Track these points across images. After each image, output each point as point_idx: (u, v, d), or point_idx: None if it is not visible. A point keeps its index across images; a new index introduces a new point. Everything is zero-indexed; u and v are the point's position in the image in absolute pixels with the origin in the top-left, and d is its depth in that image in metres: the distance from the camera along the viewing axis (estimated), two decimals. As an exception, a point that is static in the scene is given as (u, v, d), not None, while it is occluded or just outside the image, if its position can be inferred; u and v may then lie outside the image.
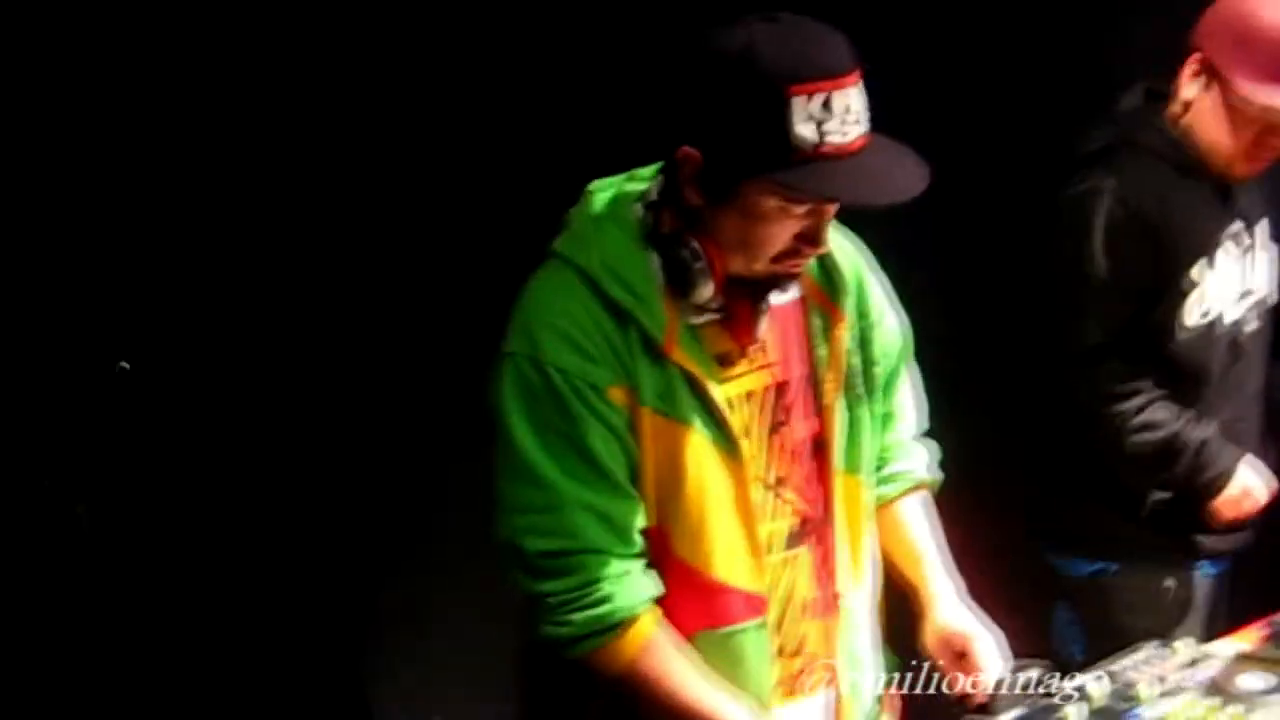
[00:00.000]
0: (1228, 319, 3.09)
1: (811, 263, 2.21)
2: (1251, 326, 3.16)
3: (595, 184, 2.23)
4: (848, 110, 2.00)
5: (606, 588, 2.10)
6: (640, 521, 2.14)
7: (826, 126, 1.98)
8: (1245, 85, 2.91)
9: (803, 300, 2.25)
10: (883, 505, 2.42)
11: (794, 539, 2.24)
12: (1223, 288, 3.07)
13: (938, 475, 2.51)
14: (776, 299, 2.20)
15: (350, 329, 3.35)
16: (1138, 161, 3.02)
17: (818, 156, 1.99)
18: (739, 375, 2.19)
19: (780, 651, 2.25)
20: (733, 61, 2.01)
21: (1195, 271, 3.02)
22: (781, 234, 2.08)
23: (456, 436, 2.65)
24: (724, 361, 2.18)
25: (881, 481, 2.42)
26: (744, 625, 2.20)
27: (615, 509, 2.11)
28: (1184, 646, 2.55)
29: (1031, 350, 3.16)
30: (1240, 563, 3.32)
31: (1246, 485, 3.12)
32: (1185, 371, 3.08)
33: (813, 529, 2.26)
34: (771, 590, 2.23)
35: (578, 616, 2.11)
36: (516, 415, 2.10)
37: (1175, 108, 3.02)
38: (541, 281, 2.17)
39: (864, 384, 2.30)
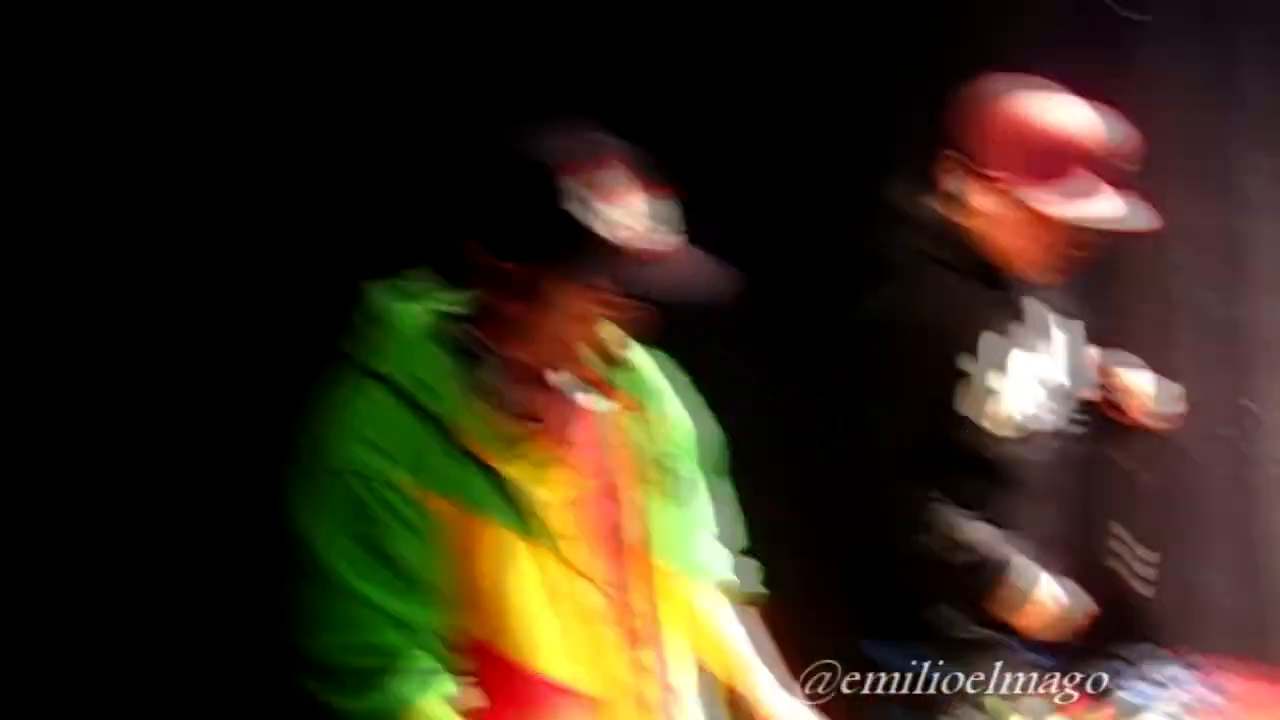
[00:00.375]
0: (1032, 419, 3.07)
1: (618, 373, 2.25)
2: (1062, 422, 3.15)
3: (373, 285, 2.22)
4: (647, 218, 2.08)
5: (404, 696, 2.08)
6: (449, 632, 2.13)
7: (628, 231, 2.06)
8: (1049, 201, 2.91)
9: (611, 408, 2.28)
10: (689, 605, 2.46)
11: (624, 640, 2.25)
12: (1022, 389, 3.04)
13: (737, 578, 2.52)
14: (586, 405, 2.23)
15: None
16: (923, 271, 3.00)
17: (620, 257, 2.06)
18: (552, 480, 2.21)
19: None
20: (540, 169, 2.06)
21: (990, 378, 2.99)
22: (585, 337, 2.12)
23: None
24: (537, 466, 2.20)
25: (686, 581, 2.45)
26: None
27: (424, 621, 2.10)
28: None
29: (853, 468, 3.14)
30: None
31: (1049, 599, 3.06)
32: (993, 476, 3.06)
33: (641, 629, 2.28)
34: (609, 690, 2.23)
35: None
36: (321, 526, 2.09)
37: (964, 214, 3.01)
38: (348, 395, 2.15)
39: (670, 489, 2.34)
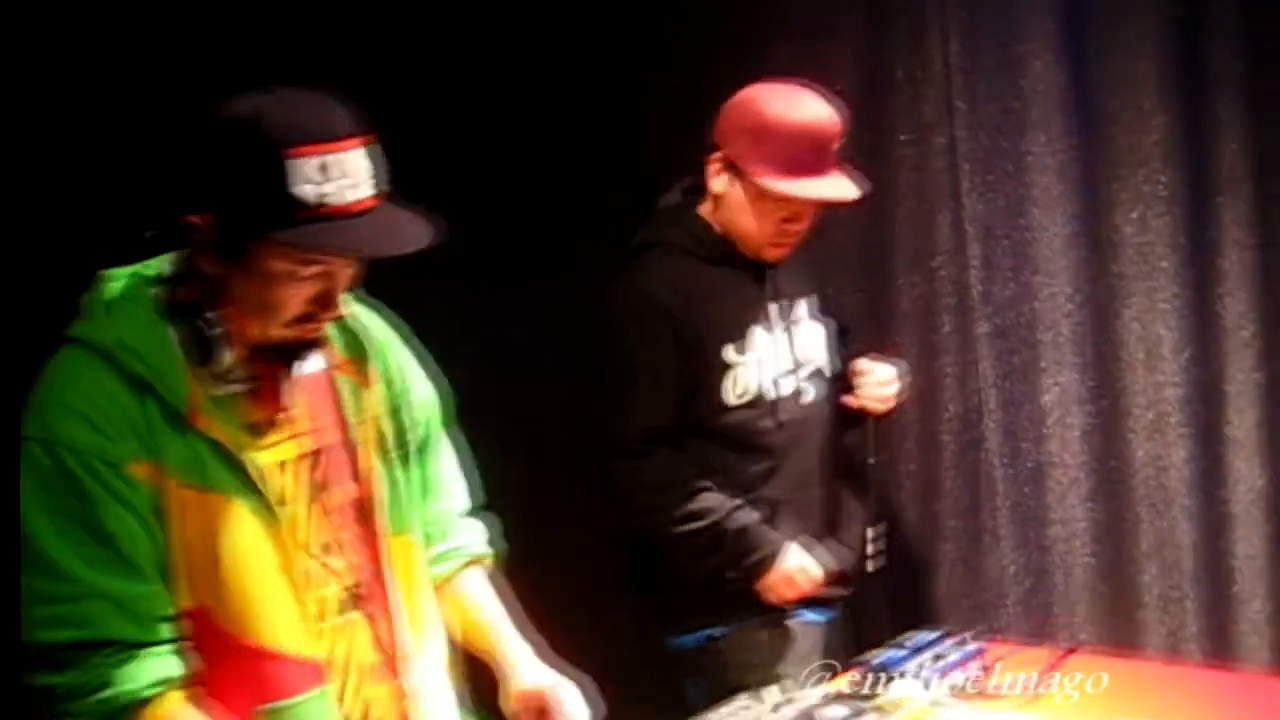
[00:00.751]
0: (775, 393, 3.26)
1: (336, 332, 2.25)
2: (808, 398, 3.31)
3: (107, 271, 2.20)
4: (344, 174, 2.05)
5: (110, 674, 2.05)
6: (165, 605, 2.10)
7: (325, 188, 2.04)
8: (764, 178, 3.14)
9: (331, 368, 2.27)
10: (441, 583, 2.45)
11: (346, 604, 2.23)
12: (763, 365, 3.24)
13: (491, 549, 2.54)
14: (305, 367, 2.21)
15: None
16: (663, 257, 3.24)
17: (319, 215, 2.04)
18: (272, 444, 2.19)
19: (344, 717, 2.22)
20: (236, 128, 2.05)
21: (728, 353, 3.21)
22: (294, 296, 2.10)
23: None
24: (255, 430, 2.18)
25: (435, 560, 2.44)
26: (306, 695, 2.17)
27: (133, 593, 2.07)
28: (772, 693, 2.67)
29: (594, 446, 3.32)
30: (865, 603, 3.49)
31: (795, 566, 3.24)
32: (740, 449, 3.25)
33: (365, 593, 2.26)
34: (331, 658, 2.21)
35: (81, 706, 2.05)
36: (29, 502, 2.05)
37: (707, 203, 3.25)
38: (56, 364, 2.12)
39: (399, 449, 2.33)
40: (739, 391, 3.22)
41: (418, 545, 2.35)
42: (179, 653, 2.11)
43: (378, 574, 2.27)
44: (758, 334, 3.25)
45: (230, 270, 2.10)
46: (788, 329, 3.31)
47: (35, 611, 2.05)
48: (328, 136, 2.05)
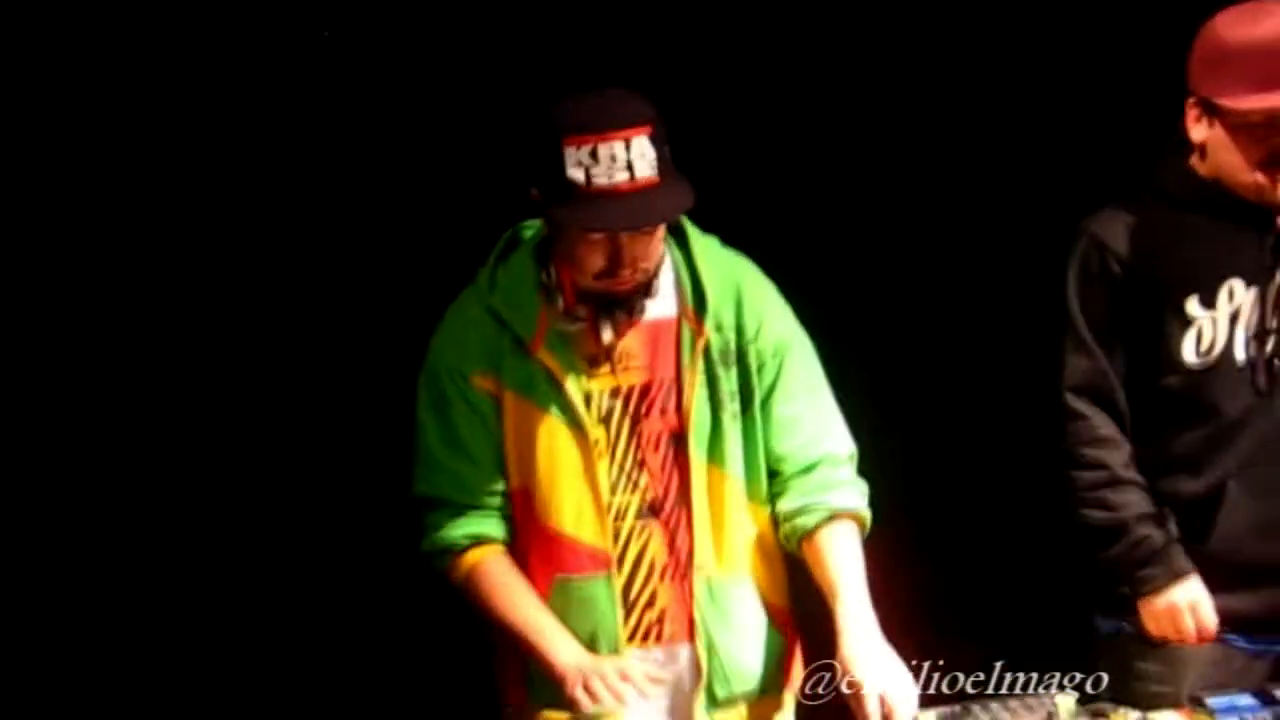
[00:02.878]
0: (1241, 355, 2.97)
1: (689, 283, 2.73)
2: None
3: (523, 223, 2.82)
4: (613, 159, 2.54)
5: (442, 524, 2.75)
6: (491, 482, 2.74)
7: (594, 170, 2.55)
8: (1235, 101, 2.89)
9: (679, 315, 2.73)
10: (804, 535, 2.74)
11: (644, 512, 2.73)
12: (1229, 324, 2.96)
13: (858, 508, 2.77)
14: (655, 311, 2.71)
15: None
16: (1128, 206, 3.03)
17: (589, 194, 2.56)
18: (603, 373, 2.72)
19: (632, 604, 2.73)
20: (541, 121, 2.62)
21: (1191, 306, 2.97)
22: (590, 257, 2.62)
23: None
24: (592, 361, 2.72)
25: (797, 512, 2.75)
26: (592, 576, 2.73)
27: (468, 473, 2.74)
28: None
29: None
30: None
31: (1185, 602, 2.96)
32: (1192, 413, 2.98)
33: (665, 506, 2.73)
34: (624, 551, 2.73)
35: (426, 543, 2.78)
36: (419, 398, 2.79)
37: (1195, 156, 3.00)
38: (458, 300, 2.82)
39: (735, 392, 2.73)
40: (1203, 349, 2.97)
41: (733, 477, 2.74)
42: (499, 520, 2.76)
43: (684, 493, 2.73)
44: (1237, 287, 2.97)
45: (554, 234, 2.68)
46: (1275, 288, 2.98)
47: (415, 473, 2.79)
48: (598, 128, 2.55)
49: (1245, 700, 2.65)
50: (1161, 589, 2.96)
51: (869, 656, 2.57)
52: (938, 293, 4.10)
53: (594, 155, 2.56)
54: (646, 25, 3.88)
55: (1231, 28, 2.94)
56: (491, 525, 2.76)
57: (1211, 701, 2.63)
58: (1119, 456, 3.00)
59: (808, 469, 2.77)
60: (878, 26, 3.98)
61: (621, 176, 2.56)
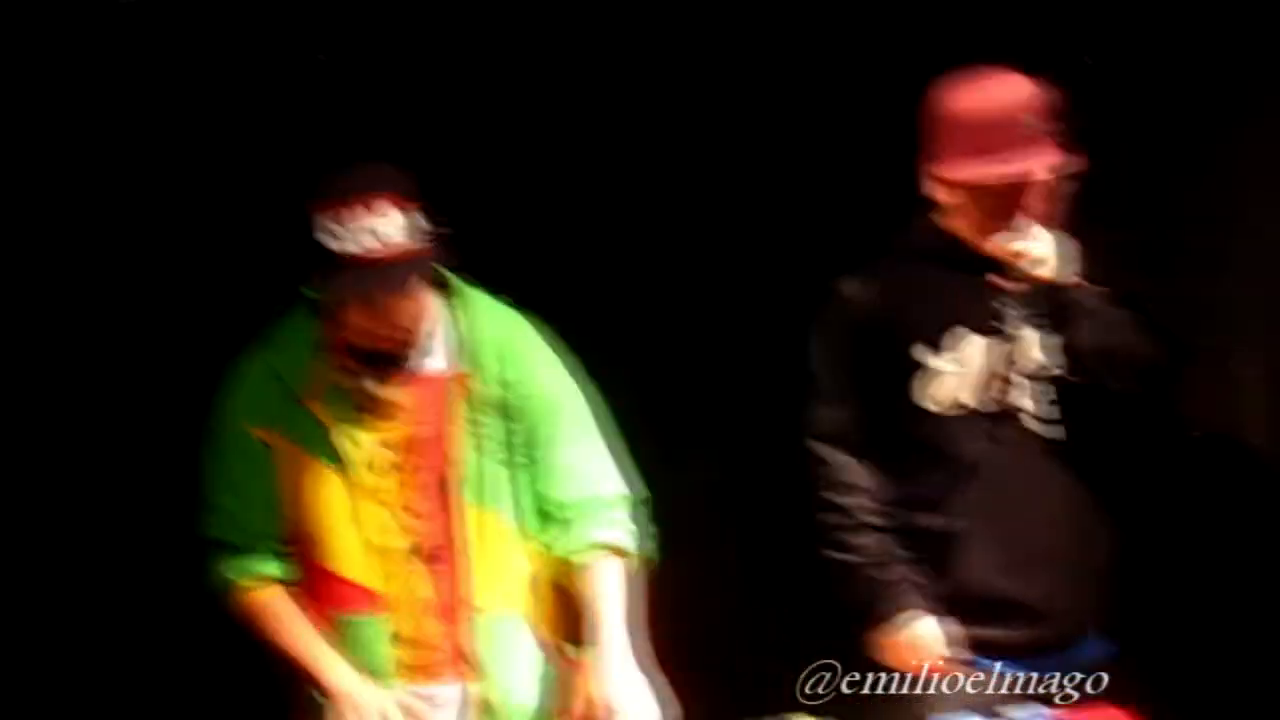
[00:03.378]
0: (973, 402, 3.12)
1: (456, 342, 2.90)
2: (1031, 418, 3.14)
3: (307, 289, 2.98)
4: (359, 226, 2.73)
5: (224, 564, 2.96)
6: (268, 525, 2.93)
7: (342, 237, 2.75)
8: (951, 171, 3.08)
9: (447, 371, 2.92)
10: (571, 568, 2.93)
11: (413, 555, 2.90)
12: (959, 371, 3.12)
13: (631, 545, 2.95)
14: (427, 367, 2.90)
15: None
16: (887, 260, 3.21)
17: (339, 260, 2.76)
18: (373, 425, 2.90)
19: (405, 642, 2.90)
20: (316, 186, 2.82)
21: (920, 354, 3.11)
22: (352, 316, 2.83)
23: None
24: (362, 412, 2.91)
25: (567, 549, 2.93)
26: (367, 614, 2.91)
27: (244, 517, 2.94)
28: None
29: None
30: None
31: (901, 641, 3.14)
32: (934, 456, 3.14)
33: (434, 548, 2.90)
34: (398, 592, 2.90)
35: (213, 578, 2.98)
36: (205, 448, 2.98)
37: (935, 211, 3.17)
38: (240, 356, 2.99)
39: (504, 440, 2.91)
40: (938, 395, 3.12)
41: (503, 518, 2.92)
42: (277, 560, 2.94)
43: (449, 536, 2.90)
44: (967, 336, 3.12)
45: (335, 306, 2.86)
46: (1014, 334, 3.13)
47: (200, 516, 2.98)
48: (341, 194, 2.76)
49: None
50: (887, 624, 3.14)
51: (622, 686, 2.78)
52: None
53: (338, 221, 2.75)
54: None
55: (951, 97, 3.11)
56: (270, 565, 2.94)
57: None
58: (858, 500, 3.16)
59: (577, 511, 2.94)
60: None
61: (369, 243, 2.75)
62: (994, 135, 3.04)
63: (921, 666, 3.12)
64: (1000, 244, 3.08)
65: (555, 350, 3.01)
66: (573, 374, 3.01)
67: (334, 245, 2.74)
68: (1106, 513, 3.19)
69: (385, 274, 2.76)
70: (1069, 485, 3.15)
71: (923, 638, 3.13)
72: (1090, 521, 3.18)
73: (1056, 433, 3.15)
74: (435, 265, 2.87)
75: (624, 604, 2.88)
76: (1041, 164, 3.05)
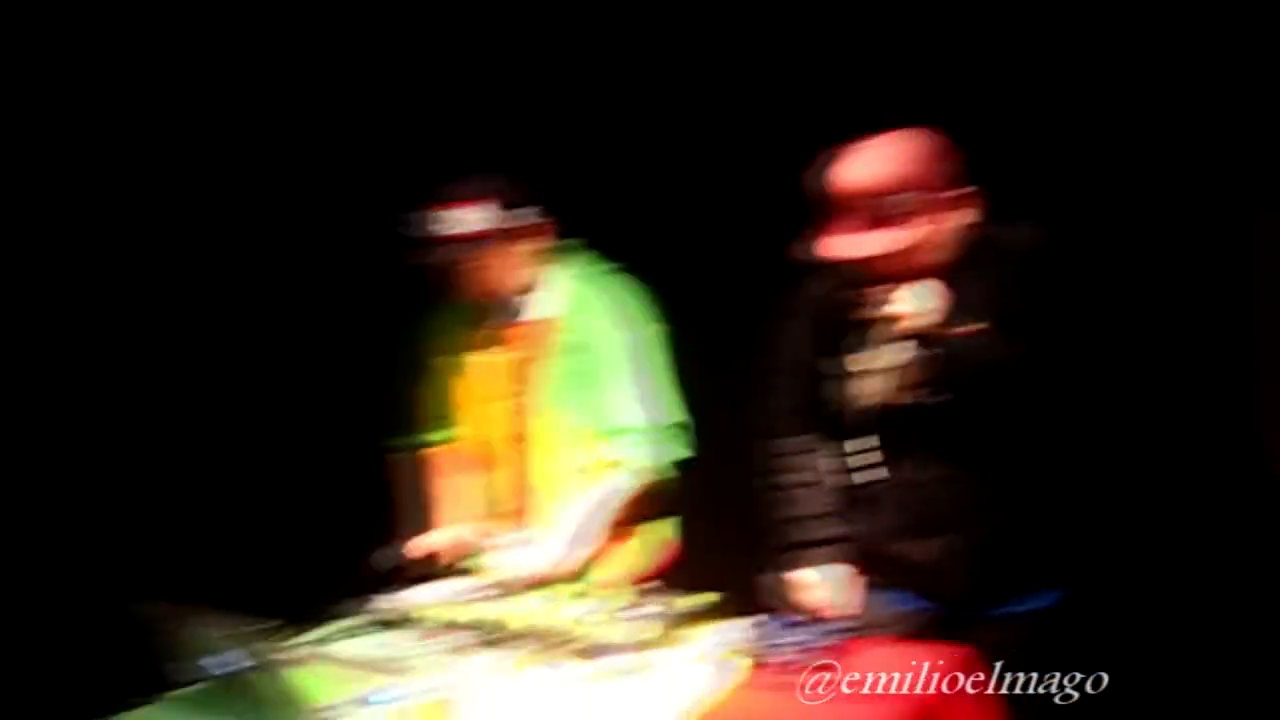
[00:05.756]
0: (878, 401, 3.46)
1: (547, 298, 4.09)
2: (911, 412, 3.40)
3: None
4: (449, 218, 3.95)
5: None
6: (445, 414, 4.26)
7: (432, 226, 3.96)
8: (815, 245, 3.37)
9: (541, 318, 4.11)
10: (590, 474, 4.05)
11: (511, 439, 4.19)
12: (870, 376, 3.46)
13: (640, 459, 4.01)
14: (526, 314, 4.10)
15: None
16: (825, 270, 3.49)
17: (440, 243, 3.98)
18: (498, 349, 4.15)
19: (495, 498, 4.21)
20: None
21: (845, 360, 3.51)
22: (458, 279, 4.06)
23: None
24: (493, 344, 4.16)
25: (593, 461, 4.05)
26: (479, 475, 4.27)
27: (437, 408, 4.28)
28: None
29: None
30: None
31: (803, 583, 3.64)
32: (856, 433, 3.54)
33: (518, 435, 4.15)
34: (500, 433, 4.21)
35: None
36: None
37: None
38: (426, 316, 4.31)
39: (572, 369, 4.06)
40: (852, 395, 3.50)
41: (567, 421, 4.07)
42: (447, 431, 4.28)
43: (533, 418, 4.12)
44: (868, 349, 3.47)
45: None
46: (888, 347, 3.44)
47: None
48: (440, 199, 3.98)
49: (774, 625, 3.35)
50: (795, 563, 3.66)
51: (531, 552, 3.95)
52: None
53: (436, 216, 3.98)
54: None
55: (828, 170, 3.34)
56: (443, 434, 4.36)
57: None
58: (805, 461, 3.69)
59: (604, 434, 4.04)
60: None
61: (454, 230, 3.96)
62: (839, 213, 3.31)
63: (809, 610, 3.55)
64: (870, 303, 3.43)
65: (625, 303, 4.05)
66: (637, 323, 4.04)
67: (435, 231, 3.95)
68: (1005, 479, 3.41)
69: (459, 247, 3.97)
70: (966, 455, 3.38)
71: (812, 587, 3.62)
72: (986, 489, 3.40)
73: (948, 410, 3.36)
74: (530, 241, 4.00)
75: (596, 507, 3.98)
76: (869, 245, 3.29)
